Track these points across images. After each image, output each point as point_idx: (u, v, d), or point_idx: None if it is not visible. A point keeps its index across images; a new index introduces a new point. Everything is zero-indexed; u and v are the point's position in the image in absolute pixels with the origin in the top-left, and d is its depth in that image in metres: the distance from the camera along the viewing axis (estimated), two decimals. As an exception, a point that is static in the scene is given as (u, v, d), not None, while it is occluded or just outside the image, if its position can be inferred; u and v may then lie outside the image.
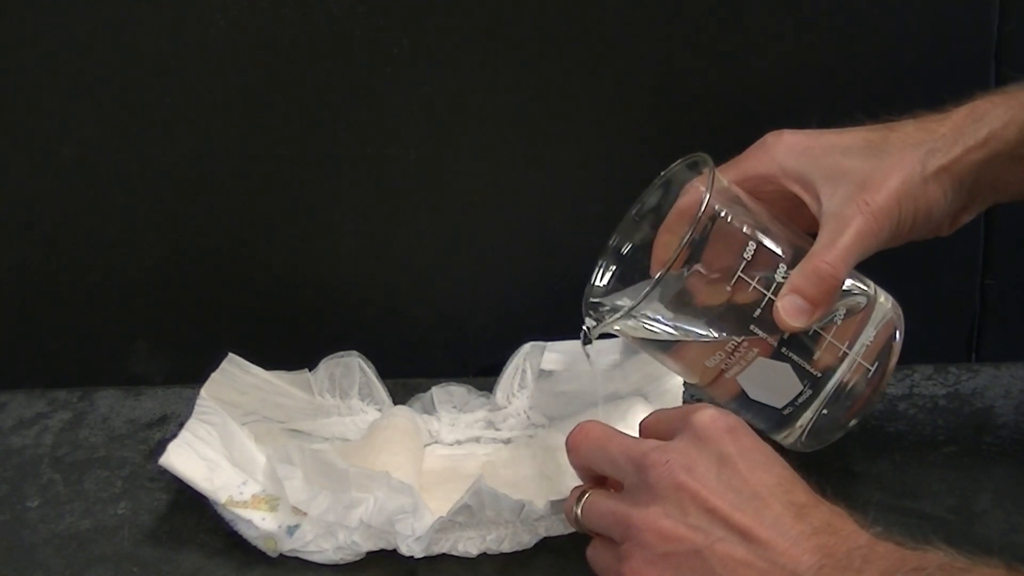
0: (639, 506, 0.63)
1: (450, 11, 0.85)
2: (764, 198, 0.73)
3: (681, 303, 0.70)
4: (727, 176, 0.73)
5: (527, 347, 0.85)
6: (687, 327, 0.70)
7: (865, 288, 0.72)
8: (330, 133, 0.88)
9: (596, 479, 0.69)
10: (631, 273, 0.74)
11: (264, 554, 0.74)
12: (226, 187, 0.90)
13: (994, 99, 0.72)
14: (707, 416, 0.64)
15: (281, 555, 0.74)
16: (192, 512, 0.78)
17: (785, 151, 0.73)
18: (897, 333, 0.72)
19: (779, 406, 0.71)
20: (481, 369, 0.91)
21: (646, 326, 0.71)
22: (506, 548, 0.73)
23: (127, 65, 0.87)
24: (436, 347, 0.94)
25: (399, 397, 0.86)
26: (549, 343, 0.85)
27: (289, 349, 0.88)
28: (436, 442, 0.84)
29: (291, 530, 0.73)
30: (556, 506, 0.73)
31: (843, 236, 0.69)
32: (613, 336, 0.77)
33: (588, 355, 0.75)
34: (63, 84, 0.87)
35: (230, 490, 0.75)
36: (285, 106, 0.88)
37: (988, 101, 0.72)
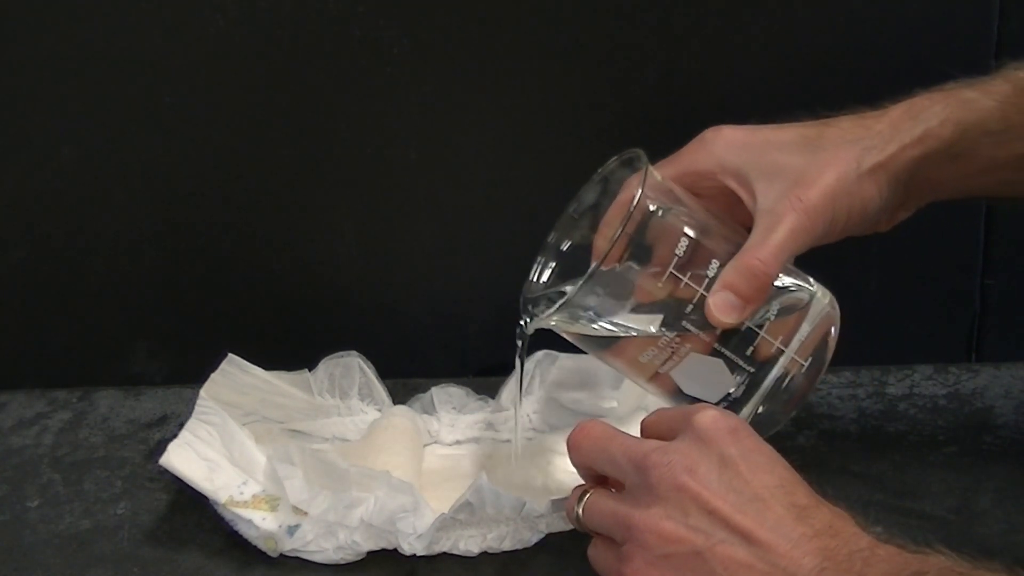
0: (640, 507, 0.63)
1: (450, 11, 0.86)
2: (703, 194, 0.73)
3: (616, 299, 0.70)
4: (666, 172, 0.72)
5: (540, 355, 0.85)
6: (622, 323, 0.70)
7: (801, 284, 0.72)
8: (330, 133, 0.89)
9: (597, 478, 0.68)
10: (570, 270, 0.73)
11: (264, 554, 0.74)
12: (226, 187, 0.90)
13: (932, 96, 0.72)
14: (709, 417, 0.64)
15: (281, 555, 0.74)
16: (192, 512, 0.78)
17: (723, 147, 0.73)
18: (833, 329, 0.72)
19: (713, 401, 0.71)
20: (481, 369, 0.91)
21: (581, 322, 0.71)
22: (507, 546, 0.73)
23: (127, 65, 0.87)
24: (436, 347, 0.94)
25: (399, 397, 0.86)
26: (561, 355, 0.84)
27: (289, 349, 0.88)
28: (436, 442, 0.84)
29: (291, 530, 0.73)
30: (557, 505, 0.73)
31: (775, 233, 0.69)
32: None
33: (520, 358, 0.75)
34: (63, 84, 0.87)
35: (230, 490, 0.75)
36: (285, 106, 0.88)
37: (926, 99, 0.72)
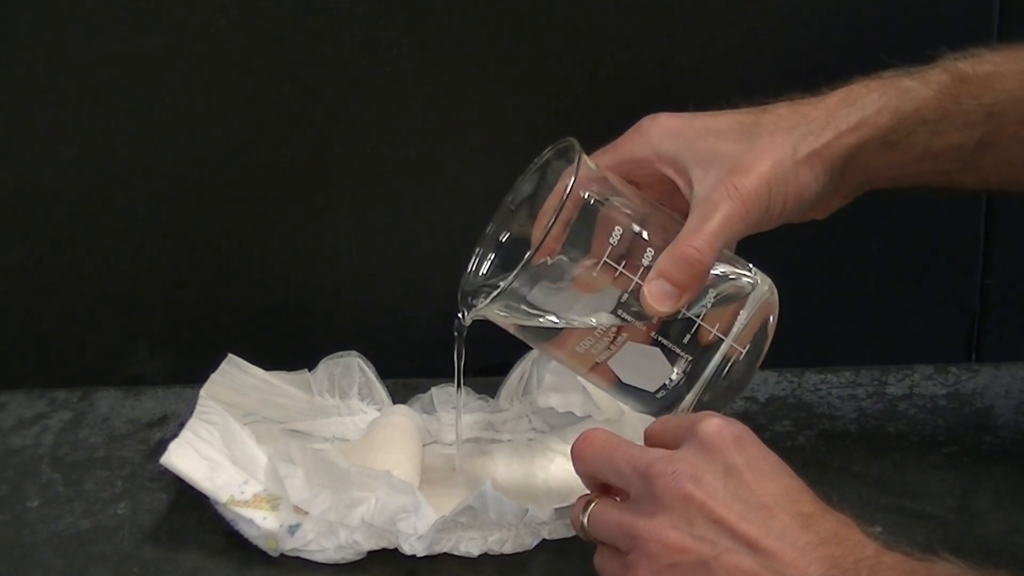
0: (645, 516, 0.62)
1: (450, 11, 0.86)
2: (640, 182, 0.73)
3: (552, 290, 0.69)
4: (602, 160, 0.72)
5: (535, 352, 0.85)
6: (559, 314, 0.70)
7: (740, 271, 0.72)
8: (330, 133, 0.89)
9: (601, 487, 0.68)
10: (509, 261, 0.72)
11: (265, 554, 0.74)
12: (226, 187, 0.90)
13: (869, 84, 0.72)
14: (713, 425, 0.64)
15: (282, 554, 0.74)
16: (192, 512, 0.78)
17: (660, 134, 0.72)
18: (772, 316, 0.71)
19: (651, 390, 0.71)
20: (481, 369, 0.91)
21: (519, 314, 0.71)
22: (508, 549, 0.73)
23: (127, 65, 0.87)
24: (436, 347, 0.94)
25: (399, 397, 0.86)
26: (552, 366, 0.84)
27: (289, 349, 0.88)
28: (435, 442, 0.84)
29: (292, 529, 0.73)
30: (561, 513, 0.73)
31: (711, 220, 0.68)
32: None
33: (458, 352, 0.75)
34: (63, 84, 0.87)
35: (231, 489, 0.75)
36: (285, 106, 0.88)
37: (863, 86, 0.72)
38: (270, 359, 0.85)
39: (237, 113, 0.88)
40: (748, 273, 0.72)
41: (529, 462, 0.81)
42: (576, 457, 0.68)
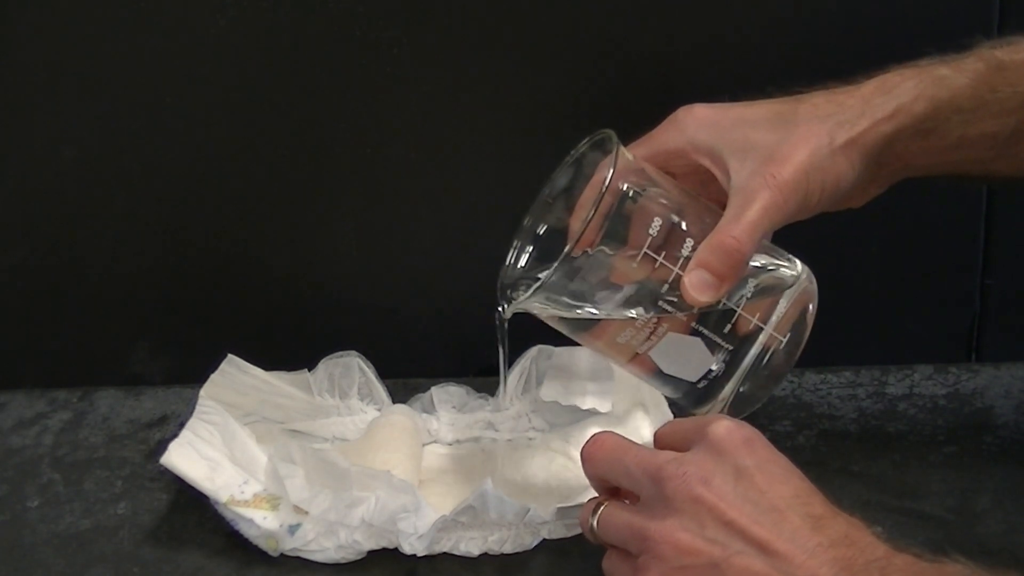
0: (656, 519, 0.62)
1: (450, 11, 0.86)
2: (676, 173, 0.73)
3: (592, 281, 0.70)
4: (638, 152, 0.72)
5: (534, 350, 0.85)
6: (599, 305, 0.70)
7: (778, 261, 0.72)
8: (330, 133, 0.89)
9: (610, 490, 0.68)
10: (547, 254, 0.73)
11: (265, 554, 0.74)
12: (226, 187, 0.90)
13: (904, 72, 0.72)
14: (723, 428, 0.64)
15: (282, 554, 0.74)
16: (192, 512, 0.78)
17: (695, 125, 0.72)
18: (811, 305, 0.72)
19: (693, 380, 0.71)
20: (481, 369, 0.91)
21: (559, 306, 0.71)
22: (507, 549, 0.73)
23: (127, 65, 0.87)
24: (436, 347, 0.94)
25: (399, 397, 0.86)
26: (556, 350, 0.84)
27: (289, 349, 0.88)
28: (435, 441, 0.84)
29: (292, 529, 0.73)
30: (562, 513, 0.73)
31: (749, 210, 0.68)
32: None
33: (501, 345, 0.75)
34: (63, 84, 0.87)
35: (231, 489, 0.75)
36: (285, 106, 0.88)
37: (898, 75, 0.72)
38: (270, 359, 0.85)
39: (237, 113, 0.88)
40: (787, 263, 0.72)
41: (530, 461, 0.81)
42: (586, 460, 0.68)
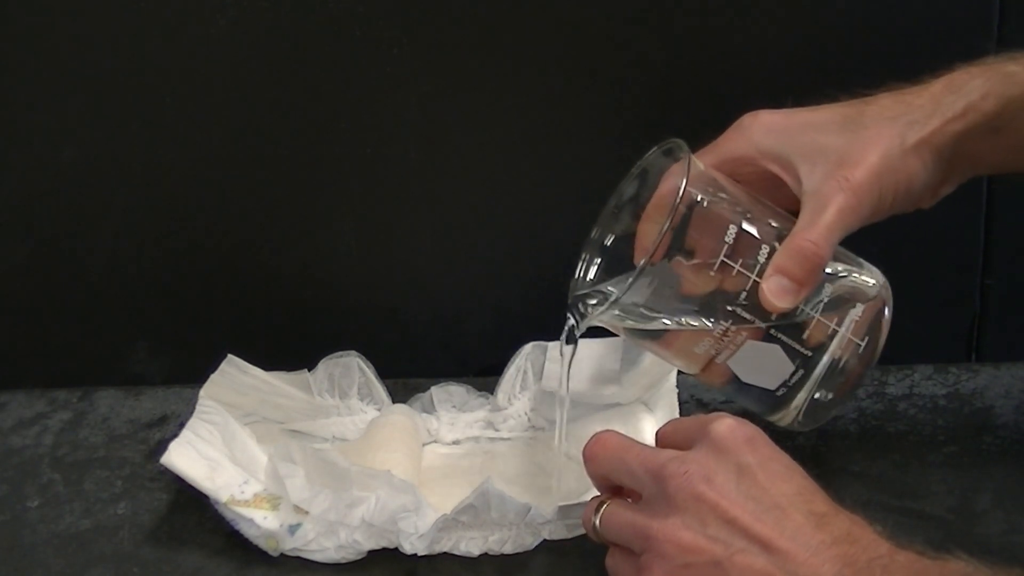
0: (658, 517, 0.63)
1: (450, 11, 0.85)
2: (743, 180, 0.72)
3: (666, 292, 0.69)
4: (705, 160, 0.72)
5: (528, 347, 0.85)
6: (674, 316, 0.70)
7: (851, 266, 0.72)
8: (330, 133, 0.88)
9: (612, 488, 0.68)
10: (615, 265, 0.73)
11: (265, 554, 0.74)
12: (226, 187, 0.90)
13: (972, 70, 0.71)
14: (725, 426, 0.64)
15: (282, 554, 0.74)
16: (192, 512, 0.78)
17: (761, 131, 0.72)
18: (886, 309, 0.72)
19: (772, 387, 0.70)
20: (481, 369, 0.91)
21: (632, 317, 0.71)
22: (508, 549, 0.73)
23: (127, 65, 0.87)
24: (436, 347, 0.94)
25: (399, 397, 0.86)
26: (551, 344, 0.85)
27: (289, 349, 0.88)
28: (435, 441, 0.84)
29: (293, 529, 0.73)
30: (563, 512, 0.73)
31: (825, 214, 0.68)
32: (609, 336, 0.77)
33: (565, 355, 0.74)
34: (63, 84, 0.87)
35: (232, 489, 0.75)
36: (285, 106, 0.88)
37: (966, 73, 0.71)
38: (270, 359, 0.85)
39: (237, 113, 0.88)
40: (861, 267, 0.72)
41: (529, 460, 0.81)
42: (588, 459, 0.68)
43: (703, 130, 0.87)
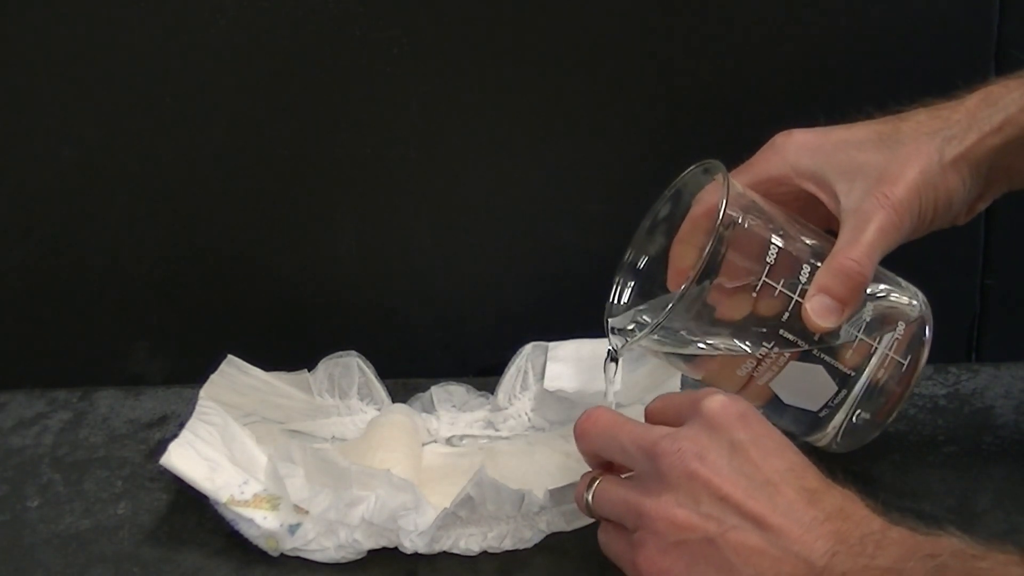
0: (651, 495, 0.63)
1: (450, 12, 0.86)
2: (779, 200, 0.72)
3: (706, 315, 0.69)
4: (740, 180, 0.71)
5: (529, 347, 0.85)
6: (714, 339, 0.69)
7: (891, 285, 0.71)
8: (330, 133, 0.89)
9: (604, 465, 0.69)
10: (650, 287, 0.73)
11: (265, 553, 0.74)
12: (226, 187, 0.90)
13: (1008, 84, 0.71)
14: (717, 402, 0.64)
15: (282, 554, 0.74)
16: (192, 512, 0.78)
17: (796, 150, 0.72)
18: (927, 328, 0.72)
19: (815, 409, 0.70)
20: (481, 369, 0.91)
21: (670, 342, 0.70)
22: (507, 545, 0.73)
23: (127, 65, 0.87)
24: (436, 347, 0.94)
25: (399, 397, 0.86)
26: (551, 344, 0.85)
27: (289, 349, 0.88)
28: (435, 440, 0.84)
29: (292, 529, 0.73)
30: (556, 496, 0.73)
31: (866, 232, 0.68)
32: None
33: (611, 374, 0.74)
34: (63, 84, 0.87)
35: (231, 489, 0.75)
36: (285, 106, 0.88)
37: (1002, 86, 0.71)
38: (270, 359, 0.85)
39: (237, 113, 0.88)
40: (900, 287, 0.72)
41: (529, 460, 0.81)
42: (580, 436, 0.69)
43: (703, 130, 0.88)
